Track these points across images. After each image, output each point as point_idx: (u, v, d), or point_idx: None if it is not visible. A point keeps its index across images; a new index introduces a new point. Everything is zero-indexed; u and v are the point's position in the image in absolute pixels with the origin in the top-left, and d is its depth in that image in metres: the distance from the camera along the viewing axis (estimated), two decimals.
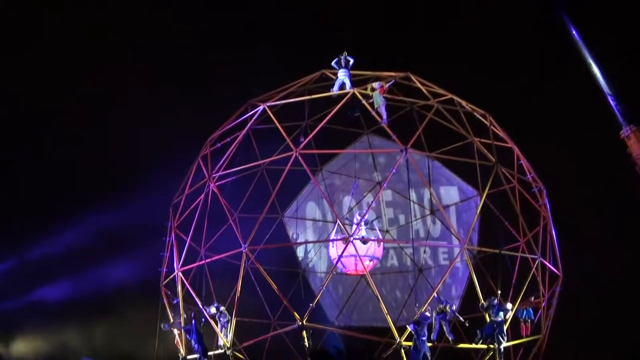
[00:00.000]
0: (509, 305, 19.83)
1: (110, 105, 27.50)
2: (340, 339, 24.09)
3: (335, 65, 22.02)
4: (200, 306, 21.28)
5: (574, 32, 19.72)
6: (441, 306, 20.07)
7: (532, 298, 21.63)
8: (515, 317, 21.03)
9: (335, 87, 21.72)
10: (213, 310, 21.18)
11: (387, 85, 20.99)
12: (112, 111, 27.43)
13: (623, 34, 24.53)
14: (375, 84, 20.74)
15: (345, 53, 21.93)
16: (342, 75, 21.69)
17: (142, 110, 26.97)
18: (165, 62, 28.33)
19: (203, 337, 21.25)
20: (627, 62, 23.69)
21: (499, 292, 20.27)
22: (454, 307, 20.21)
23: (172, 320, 22.49)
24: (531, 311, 21.77)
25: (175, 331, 22.38)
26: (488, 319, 19.53)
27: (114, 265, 26.54)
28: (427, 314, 19.08)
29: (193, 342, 21.16)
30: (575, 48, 19.92)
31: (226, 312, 21.29)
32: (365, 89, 20.98)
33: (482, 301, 19.51)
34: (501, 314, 19.39)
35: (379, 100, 20.55)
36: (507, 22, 27.81)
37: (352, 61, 21.87)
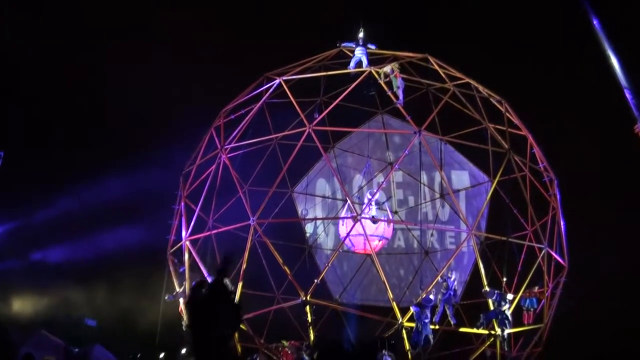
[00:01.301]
0: (509, 296, 19.77)
1: (125, 72, 27.44)
2: (354, 334, 24.14)
3: (352, 44, 21.94)
4: (206, 276, 21.39)
5: (595, 22, 19.48)
6: (445, 284, 20.16)
7: (536, 288, 21.63)
8: (518, 305, 21.06)
9: (352, 65, 21.70)
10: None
11: (397, 69, 20.86)
12: (128, 77, 27.38)
13: None
14: (388, 69, 20.63)
15: (362, 30, 21.86)
16: (359, 53, 21.65)
17: (159, 78, 26.93)
18: (185, 31, 28.26)
19: None
20: None
21: (505, 279, 20.28)
22: (452, 278, 20.23)
23: (176, 289, 22.64)
24: (534, 300, 21.75)
25: (181, 300, 22.52)
26: (492, 306, 19.55)
27: (122, 229, 26.69)
28: (431, 296, 19.14)
29: None
30: (596, 38, 19.72)
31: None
32: (382, 68, 20.92)
33: (486, 287, 19.52)
34: (505, 303, 19.38)
35: (397, 83, 20.50)
36: (530, 11, 27.58)
37: (373, 47, 21.82)
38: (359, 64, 21.65)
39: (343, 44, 22.05)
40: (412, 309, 19.04)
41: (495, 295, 19.39)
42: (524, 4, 27.25)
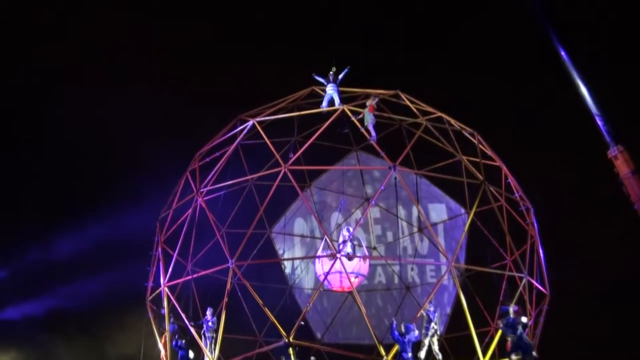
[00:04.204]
0: (524, 319, 19.30)
1: (99, 116, 27.34)
2: None
3: (323, 80, 22.09)
4: (186, 321, 21.06)
5: (562, 52, 19.85)
6: (426, 317, 19.97)
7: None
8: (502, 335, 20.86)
9: (324, 103, 21.83)
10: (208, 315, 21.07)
11: (374, 102, 21.01)
12: (101, 122, 27.29)
13: (612, 55, 24.76)
14: (371, 101, 20.83)
15: (334, 69, 22.03)
16: (331, 90, 21.79)
17: (132, 123, 26.87)
18: (158, 74, 28.33)
19: None
20: (616, 83, 23.88)
21: (513, 305, 19.85)
22: (432, 311, 20.06)
23: (157, 337, 22.24)
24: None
25: (160, 345, 22.12)
26: (510, 339, 19.03)
27: (100, 278, 26.34)
28: (414, 330, 18.84)
29: None
30: (564, 68, 20.07)
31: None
32: (359, 106, 21.09)
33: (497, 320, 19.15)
34: (519, 327, 18.82)
35: (368, 118, 20.63)
36: (499, 40, 28.05)
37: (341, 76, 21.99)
38: (331, 101, 21.78)
39: (316, 76, 22.22)
40: (392, 337, 18.74)
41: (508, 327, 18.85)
42: (495, 35, 27.70)
